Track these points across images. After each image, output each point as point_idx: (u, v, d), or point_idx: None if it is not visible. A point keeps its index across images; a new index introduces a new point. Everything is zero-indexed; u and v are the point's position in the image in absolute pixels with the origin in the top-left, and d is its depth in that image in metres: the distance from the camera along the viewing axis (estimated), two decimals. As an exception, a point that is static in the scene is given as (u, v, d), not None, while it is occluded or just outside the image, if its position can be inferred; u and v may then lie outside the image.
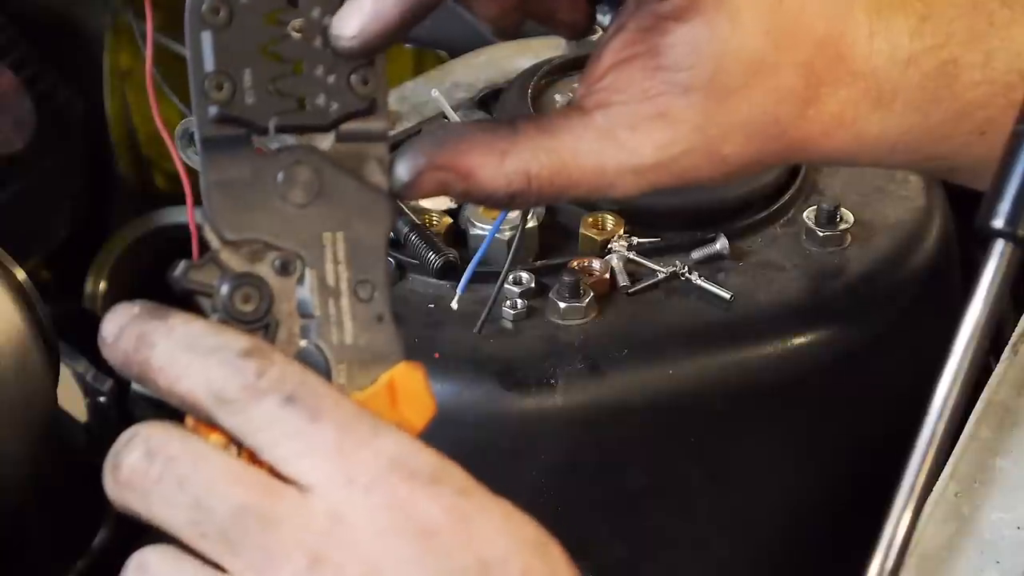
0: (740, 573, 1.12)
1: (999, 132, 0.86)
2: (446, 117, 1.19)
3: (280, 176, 0.71)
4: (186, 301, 0.71)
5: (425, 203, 1.10)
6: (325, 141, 0.73)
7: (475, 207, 1.09)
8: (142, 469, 0.68)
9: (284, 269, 0.71)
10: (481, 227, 1.08)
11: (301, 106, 0.72)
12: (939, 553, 0.91)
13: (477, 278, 1.05)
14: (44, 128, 1.48)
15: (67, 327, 1.30)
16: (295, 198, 0.72)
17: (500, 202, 0.78)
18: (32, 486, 1.10)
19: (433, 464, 0.68)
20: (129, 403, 1.46)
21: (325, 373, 0.71)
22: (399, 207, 1.08)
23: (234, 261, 0.71)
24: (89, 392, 1.36)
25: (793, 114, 0.81)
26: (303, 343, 0.71)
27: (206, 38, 0.71)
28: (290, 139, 0.72)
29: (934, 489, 0.93)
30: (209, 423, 0.69)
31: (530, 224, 1.07)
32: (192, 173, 1.14)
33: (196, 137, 0.72)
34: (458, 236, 1.10)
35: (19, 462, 1.06)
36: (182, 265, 0.71)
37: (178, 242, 1.57)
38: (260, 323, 0.71)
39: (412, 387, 0.71)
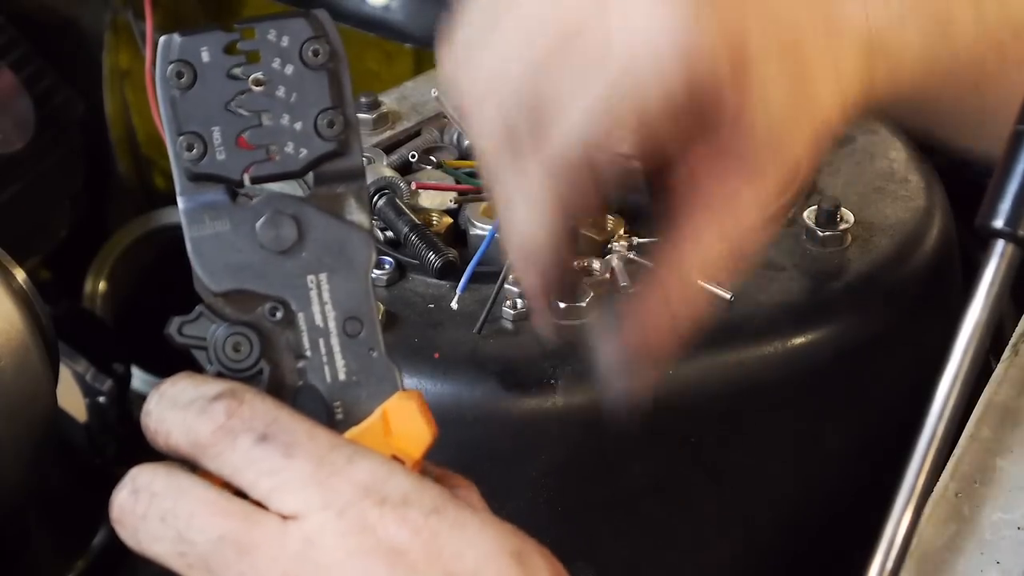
0: (740, 573, 1.12)
1: (991, 85, 0.87)
2: (446, 117, 1.19)
3: (259, 225, 0.74)
4: (185, 355, 0.74)
5: (425, 203, 1.10)
6: (301, 186, 0.74)
7: (475, 207, 1.09)
8: (129, 506, 0.72)
9: (273, 315, 0.74)
10: (481, 227, 1.07)
11: (272, 155, 0.74)
12: (939, 553, 0.91)
13: (477, 278, 1.05)
14: (44, 128, 1.48)
15: (67, 327, 1.30)
16: (276, 245, 0.74)
17: None
18: (32, 486, 1.10)
19: (405, 487, 0.70)
20: (129, 403, 1.47)
21: (324, 412, 0.73)
22: (401, 208, 1.08)
23: (224, 312, 0.74)
24: (89, 392, 1.36)
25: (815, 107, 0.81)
26: (299, 384, 0.74)
27: (173, 101, 0.73)
28: (266, 188, 0.74)
29: (934, 489, 0.93)
30: (203, 471, 0.72)
31: (530, 224, 1.07)
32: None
33: (177, 197, 0.74)
34: (458, 236, 1.10)
35: (19, 462, 1.06)
36: (175, 321, 0.74)
37: (178, 242, 1.58)
38: (254, 369, 0.73)
39: (406, 417, 0.73)
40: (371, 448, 0.72)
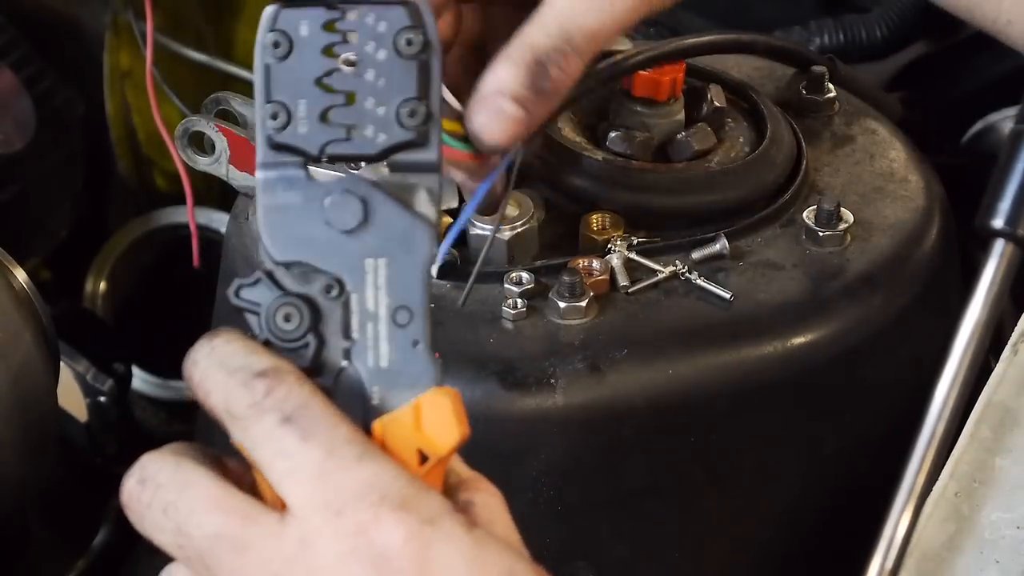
0: (740, 573, 1.12)
1: None
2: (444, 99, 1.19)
3: (328, 202, 0.74)
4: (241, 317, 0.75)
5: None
6: (376, 170, 0.75)
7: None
8: (136, 494, 0.73)
9: (328, 292, 0.75)
10: (481, 227, 1.07)
11: (351, 136, 0.75)
12: (939, 553, 0.91)
13: (477, 278, 1.05)
14: (44, 128, 1.48)
15: (67, 327, 1.30)
16: (341, 224, 0.75)
17: None
18: (32, 486, 1.10)
19: (406, 492, 0.70)
20: (129, 403, 1.47)
21: (361, 396, 0.74)
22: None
23: (282, 282, 0.75)
24: (89, 392, 1.36)
25: None
26: (344, 363, 0.74)
27: (267, 69, 0.75)
28: (342, 167, 0.75)
29: (934, 489, 0.93)
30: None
31: (530, 224, 1.07)
32: (192, 173, 1.15)
33: (256, 163, 0.76)
34: (458, 236, 1.10)
35: (19, 462, 1.06)
36: (235, 283, 0.75)
37: (178, 242, 1.58)
38: (301, 342, 0.74)
39: (438, 413, 0.73)
40: (398, 438, 0.73)
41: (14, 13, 1.52)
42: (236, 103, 1.10)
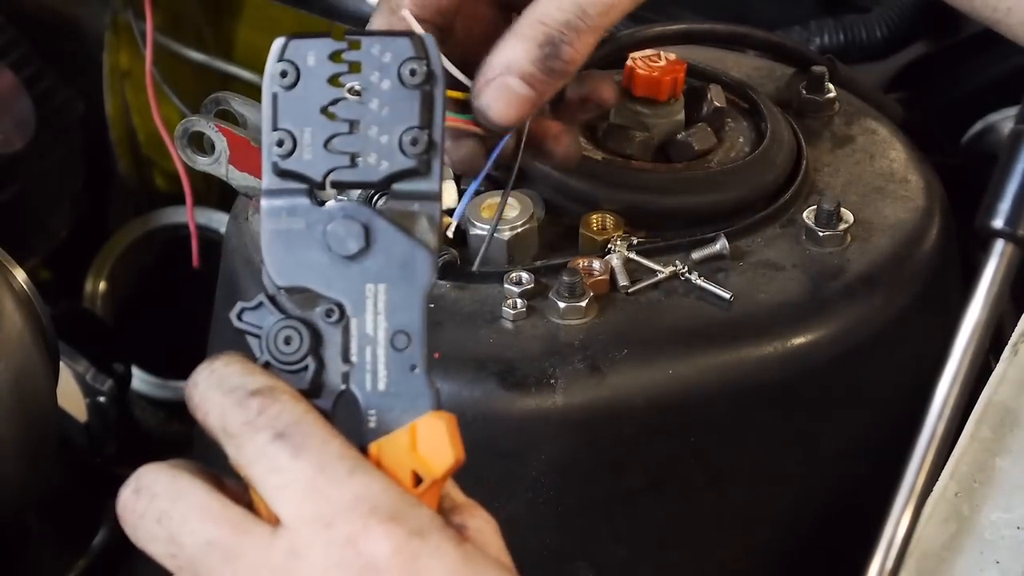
0: (740, 573, 1.12)
1: None
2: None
3: (329, 228, 0.76)
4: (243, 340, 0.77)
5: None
6: (379, 197, 0.76)
7: (475, 207, 1.09)
8: (130, 504, 0.74)
9: (328, 316, 0.76)
10: (481, 227, 1.07)
11: (355, 163, 0.76)
12: (939, 553, 0.91)
13: (477, 278, 1.05)
14: (44, 128, 1.48)
15: (67, 327, 1.30)
16: (343, 250, 0.76)
17: None
18: (32, 486, 1.10)
19: (396, 503, 0.71)
20: (129, 403, 1.47)
21: (358, 418, 0.75)
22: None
23: (283, 306, 0.76)
24: (89, 392, 1.36)
25: None
26: (343, 387, 0.76)
27: (274, 98, 0.76)
28: (345, 194, 0.76)
29: (934, 489, 0.93)
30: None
31: (530, 224, 1.07)
32: (192, 173, 1.15)
33: (262, 189, 0.77)
34: (458, 236, 1.10)
35: (19, 462, 1.06)
36: (237, 306, 0.76)
37: (178, 242, 1.58)
38: (300, 364, 0.76)
39: (433, 436, 0.74)
40: (393, 460, 0.73)
41: (14, 13, 1.52)
42: (236, 103, 1.10)
